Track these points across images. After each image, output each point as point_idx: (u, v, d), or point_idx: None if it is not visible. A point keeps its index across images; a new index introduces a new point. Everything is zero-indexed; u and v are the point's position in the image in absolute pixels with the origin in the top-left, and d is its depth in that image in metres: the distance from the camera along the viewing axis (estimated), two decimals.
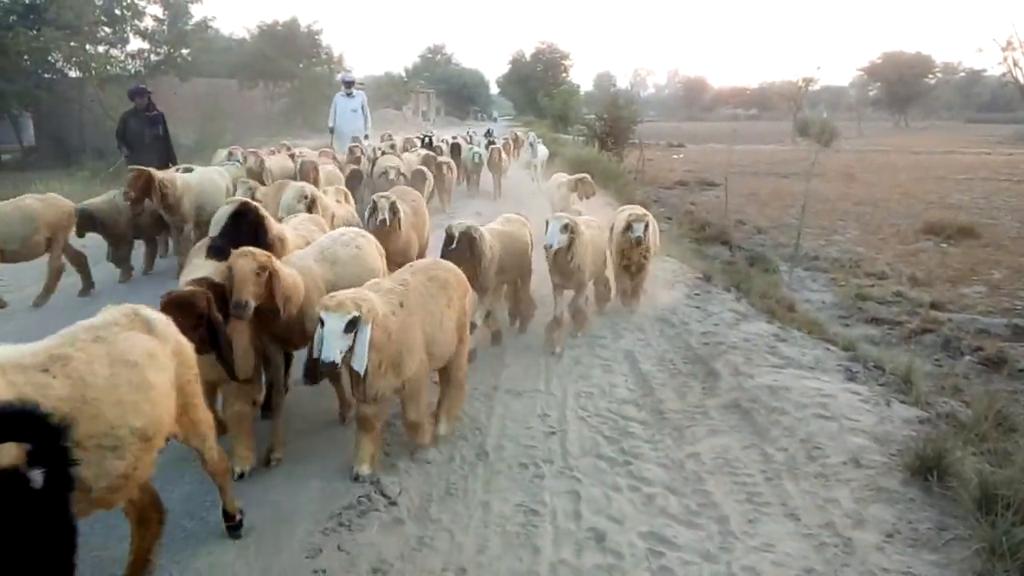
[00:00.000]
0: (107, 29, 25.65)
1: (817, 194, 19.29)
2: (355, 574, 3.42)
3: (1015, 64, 49.35)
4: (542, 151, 18.72)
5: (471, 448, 4.66)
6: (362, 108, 14.43)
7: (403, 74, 66.56)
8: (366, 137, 14.38)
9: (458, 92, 76.34)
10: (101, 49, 25.38)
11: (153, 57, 26.99)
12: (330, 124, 14.66)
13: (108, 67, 24.96)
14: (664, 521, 3.84)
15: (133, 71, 26.34)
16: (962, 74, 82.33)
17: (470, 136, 22.27)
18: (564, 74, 62.96)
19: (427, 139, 17.62)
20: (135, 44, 26.84)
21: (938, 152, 38.16)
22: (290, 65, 39.41)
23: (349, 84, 14.83)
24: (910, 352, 7.52)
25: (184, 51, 27.19)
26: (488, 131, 23.21)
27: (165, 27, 26.83)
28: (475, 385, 5.65)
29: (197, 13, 27.52)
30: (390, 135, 18.85)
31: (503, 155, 16.37)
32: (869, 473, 4.26)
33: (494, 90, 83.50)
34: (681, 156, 35.70)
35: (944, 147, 41.53)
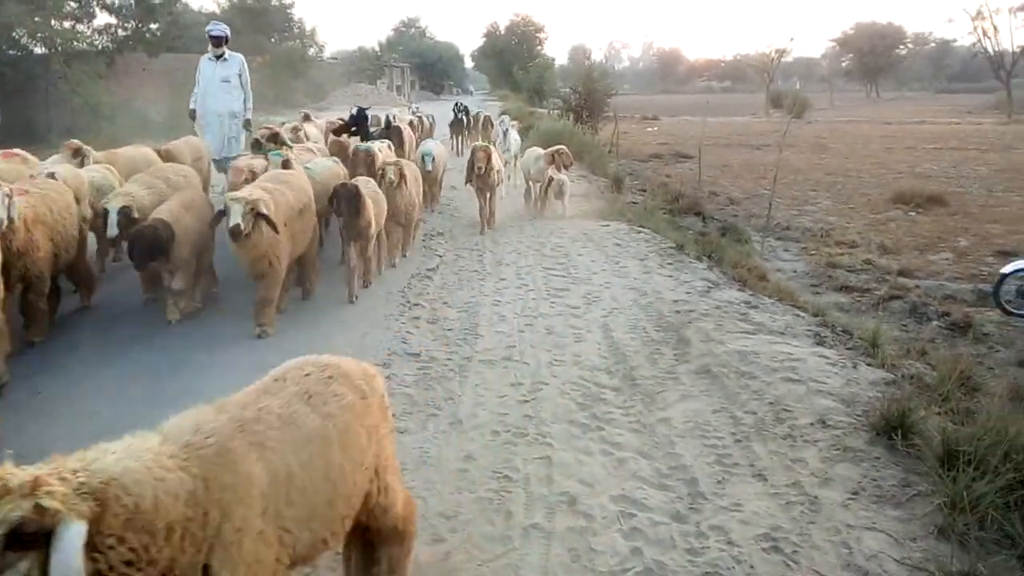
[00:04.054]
0: (73, 4, 25.03)
1: (789, 165, 19.45)
2: None
3: (984, 34, 50.03)
4: (515, 139, 14.27)
5: (445, 417, 4.68)
6: (239, 78, 9.88)
7: (377, 48, 65.67)
8: (247, 123, 9.97)
9: (433, 66, 75.49)
10: (67, 24, 24.79)
11: (121, 32, 26.41)
12: (191, 104, 9.93)
13: (74, 43, 24.41)
14: (635, 484, 3.90)
15: (100, 47, 25.78)
16: (932, 45, 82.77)
17: (415, 112, 17.52)
18: (539, 47, 62.31)
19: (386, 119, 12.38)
20: (102, 19, 26.28)
21: (908, 122, 38.56)
22: (261, 40, 38.85)
23: (218, 41, 9.78)
24: (878, 318, 7.65)
25: (153, 26, 26.62)
26: (459, 106, 18.60)
27: (133, 1, 26.20)
28: (449, 355, 5.68)
29: None
30: (307, 116, 13.85)
31: (493, 158, 10.03)
32: (836, 433, 4.34)
33: (469, 64, 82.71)
34: (656, 129, 35.69)
35: (914, 117, 42.02)
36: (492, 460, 4.15)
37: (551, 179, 10.93)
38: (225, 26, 10.11)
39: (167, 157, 8.82)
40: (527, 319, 6.52)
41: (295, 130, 10.31)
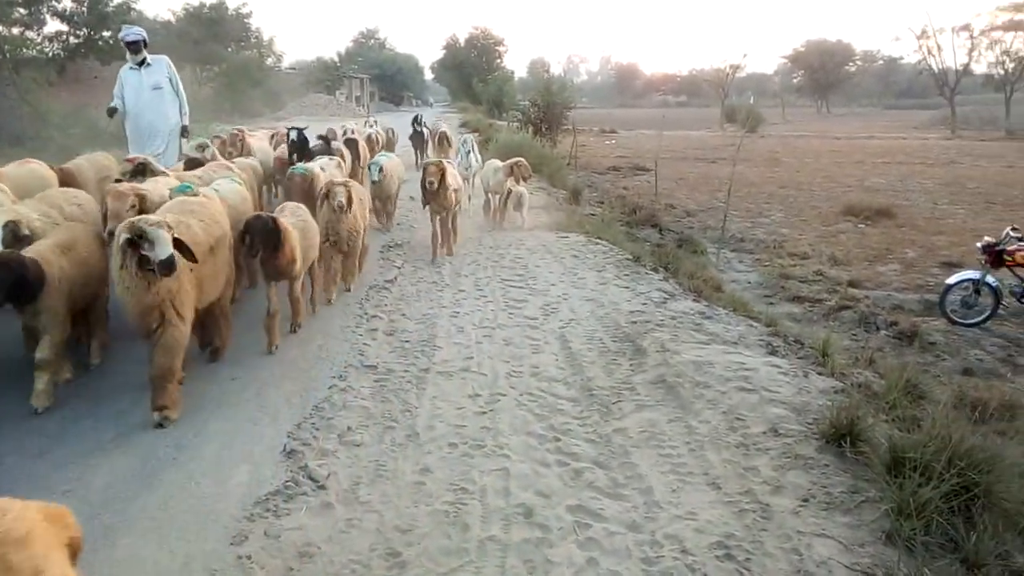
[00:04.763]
0: (22, 10, 24.44)
1: (743, 178, 19.83)
2: (281, 559, 3.39)
3: (929, 53, 51.82)
4: (475, 160, 12.61)
5: (402, 429, 4.64)
6: (170, 82, 8.92)
7: (336, 59, 65.35)
8: (185, 132, 9.12)
9: (392, 78, 75.43)
10: (16, 31, 24.20)
11: (72, 40, 25.84)
12: (112, 104, 8.88)
13: (23, 50, 23.83)
14: (591, 494, 3.91)
15: (51, 54, 25.20)
16: (880, 62, 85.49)
17: (373, 125, 16.01)
18: (498, 60, 62.75)
19: (296, 134, 9.92)
20: (53, 26, 25.71)
21: (858, 137, 39.64)
22: (218, 49, 38.40)
23: (136, 46, 8.77)
24: (829, 328, 7.82)
25: (105, 33, 26.07)
26: (418, 118, 17.54)
27: (85, 8, 25.66)
28: (406, 367, 5.65)
29: None
30: (242, 131, 11.09)
31: (448, 175, 8.80)
32: (787, 441, 4.41)
33: (429, 76, 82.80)
34: (613, 142, 36.10)
35: (863, 132, 43.21)
36: (449, 472, 4.12)
37: (510, 191, 10.95)
38: (140, 29, 9.11)
39: (64, 179, 7.14)
40: (485, 330, 6.52)
41: (201, 148, 8.75)
